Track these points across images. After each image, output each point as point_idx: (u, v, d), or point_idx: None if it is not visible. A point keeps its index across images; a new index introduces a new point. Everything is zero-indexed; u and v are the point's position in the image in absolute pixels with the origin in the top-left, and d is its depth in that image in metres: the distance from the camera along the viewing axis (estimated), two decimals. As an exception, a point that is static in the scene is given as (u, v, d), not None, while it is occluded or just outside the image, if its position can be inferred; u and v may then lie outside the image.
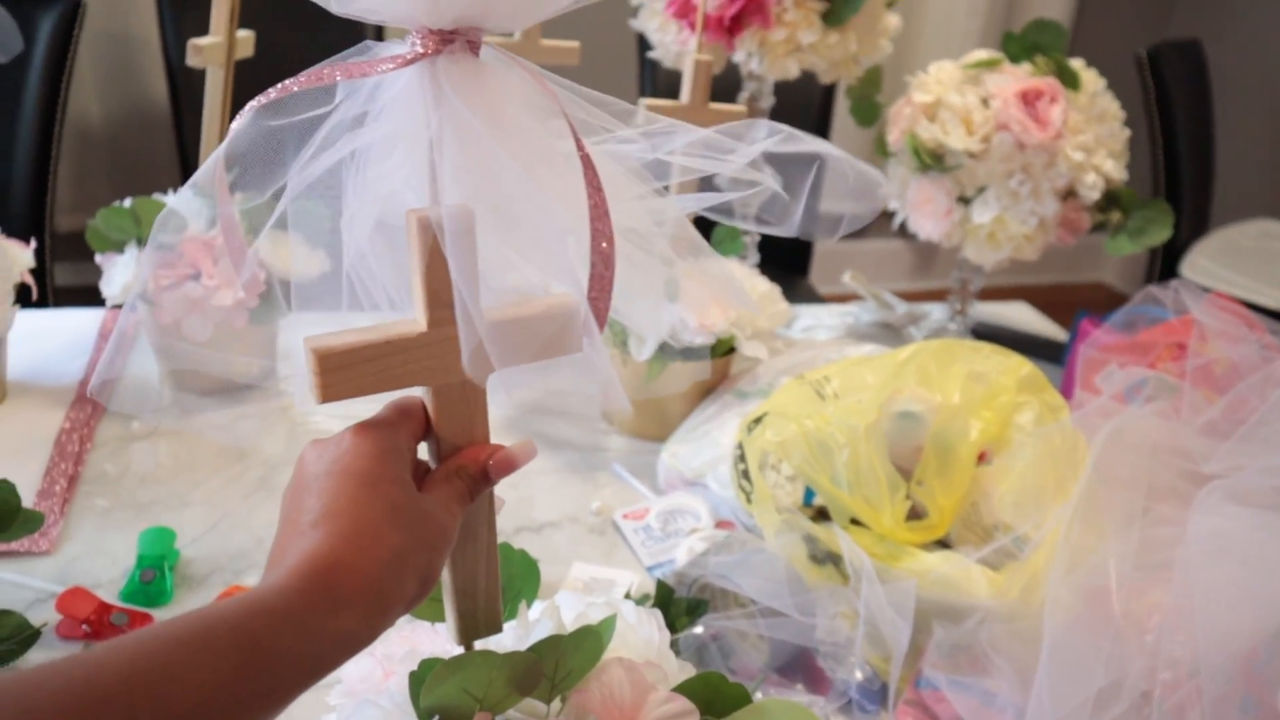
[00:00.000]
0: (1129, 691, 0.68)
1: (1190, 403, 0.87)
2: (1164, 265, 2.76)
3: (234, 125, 0.44)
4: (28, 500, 0.90)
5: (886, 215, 1.30)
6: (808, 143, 0.45)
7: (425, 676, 0.46)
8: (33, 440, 1.01)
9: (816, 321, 1.44)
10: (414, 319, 0.45)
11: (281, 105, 0.43)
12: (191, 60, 1.02)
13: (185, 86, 2.19)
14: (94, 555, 0.87)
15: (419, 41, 0.41)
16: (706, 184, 0.53)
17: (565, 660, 0.48)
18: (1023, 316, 1.54)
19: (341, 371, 0.43)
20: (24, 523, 0.75)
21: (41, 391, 1.11)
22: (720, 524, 0.94)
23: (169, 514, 0.93)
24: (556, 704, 0.49)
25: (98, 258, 1.10)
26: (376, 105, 0.43)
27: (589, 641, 0.49)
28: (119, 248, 1.08)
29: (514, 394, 0.50)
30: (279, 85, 0.42)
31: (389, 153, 0.43)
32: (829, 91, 2.27)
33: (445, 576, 0.51)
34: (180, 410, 1.10)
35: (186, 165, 2.27)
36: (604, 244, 0.40)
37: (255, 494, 0.97)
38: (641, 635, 0.54)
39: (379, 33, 2.13)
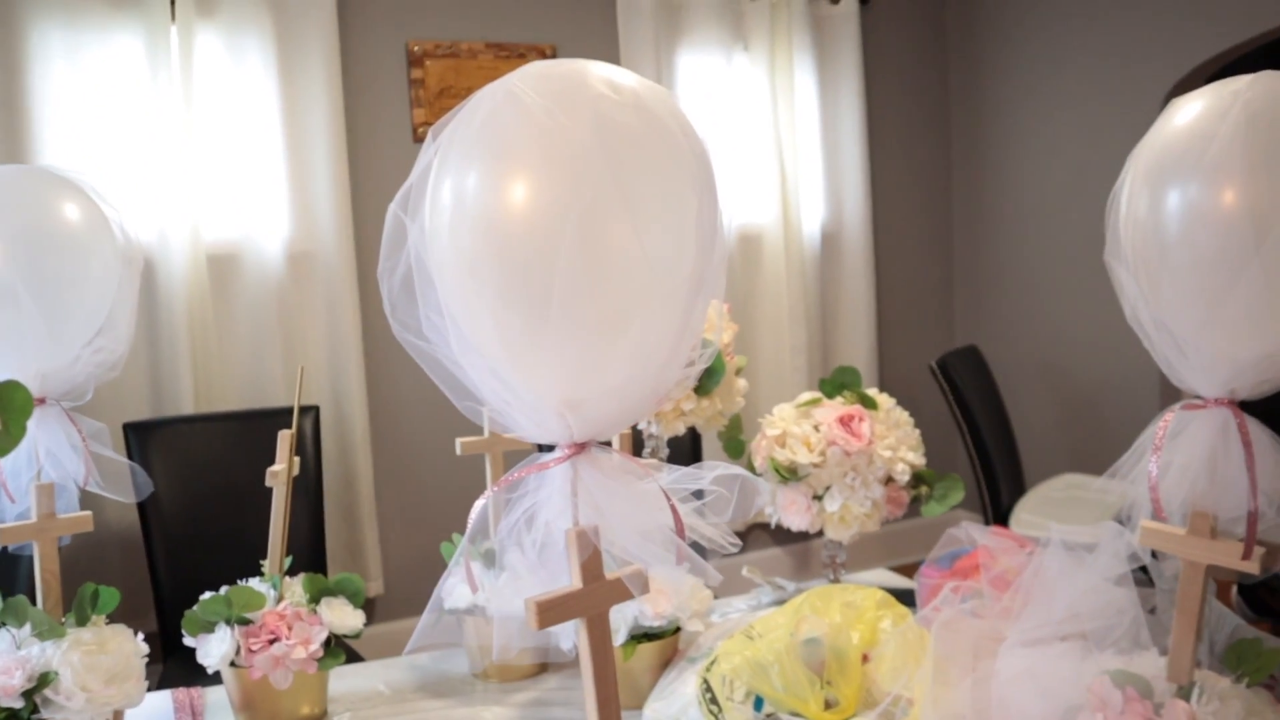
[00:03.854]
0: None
1: (990, 598, 1.30)
2: (996, 524, 3.30)
3: (479, 504, 0.85)
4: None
5: (764, 527, 1.75)
6: (735, 470, 0.91)
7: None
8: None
9: (730, 608, 1.84)
10: (572, 584, 0.85)
11: (510, 487, 0.85)
12: (269, 482, 1.42)
13: (154, 514, 2.54)
14: None
15: (566, 450, 0.85)
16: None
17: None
18: (884, 578, 1.98)
19: (546, 612, 0.82)
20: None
21: (148, 757, 1.39)
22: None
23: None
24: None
25: (188, 640, 1.43)
26: (543, 480, 0.86)
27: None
28: (210, 629, 1.42)
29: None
30: (510, 474, 0.85)
31: (549, 503, 0.85)
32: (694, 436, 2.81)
33: None
34: (265, 751, 1.39)
35: (157, 578, 2.54)
36: (681, 535, 0.84)
37: (349, 795, 1.27)
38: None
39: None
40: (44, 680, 1.26)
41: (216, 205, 3.06)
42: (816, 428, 1.64)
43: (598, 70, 0.83)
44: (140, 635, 1.39)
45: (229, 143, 3.05)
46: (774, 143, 3.79)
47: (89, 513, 1.36)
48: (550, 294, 0.75)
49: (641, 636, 1.44)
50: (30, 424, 1.33)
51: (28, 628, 1.29)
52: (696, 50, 3.73)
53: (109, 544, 2.98)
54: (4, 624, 1.31)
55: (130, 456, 2.55)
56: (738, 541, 0.90)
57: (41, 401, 1.34)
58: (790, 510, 1.69)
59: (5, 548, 1.34)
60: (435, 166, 0.83)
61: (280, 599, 1.44)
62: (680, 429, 1.65)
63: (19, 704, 1.25)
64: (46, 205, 1.34)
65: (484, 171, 0.79)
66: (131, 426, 2.59)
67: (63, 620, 1.33)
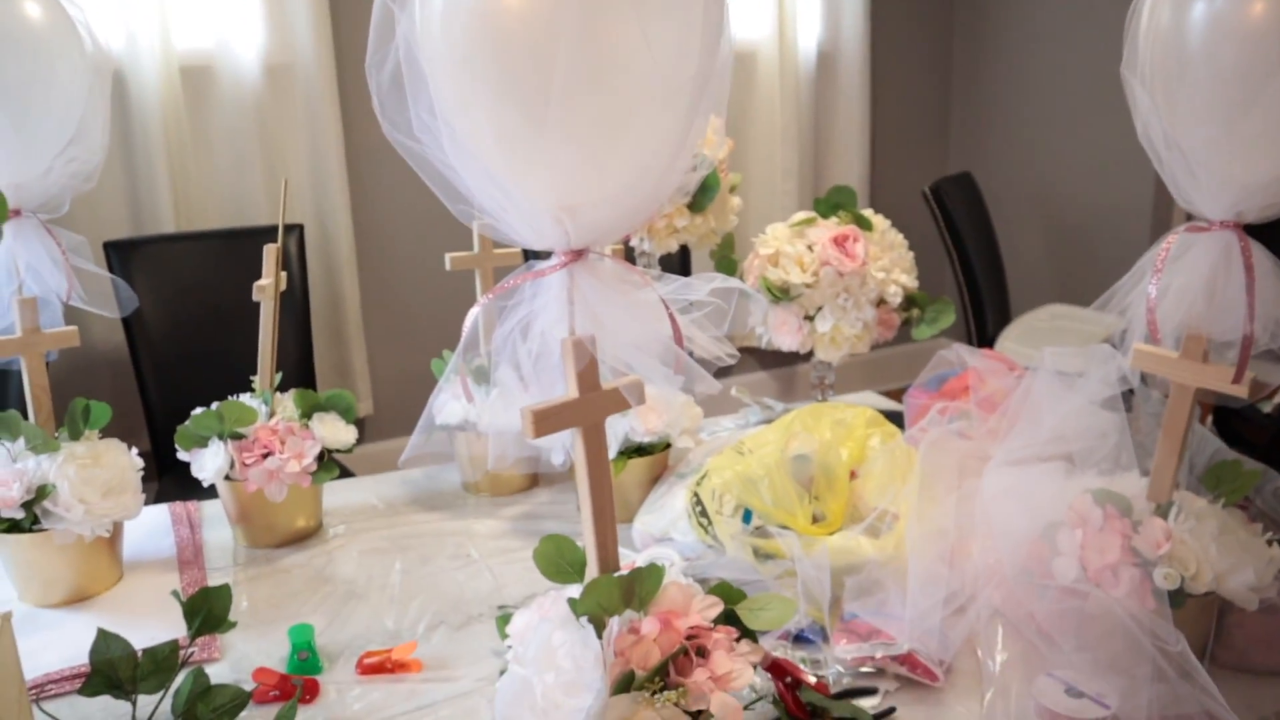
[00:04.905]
0: (963, 592, 1.10)
1: (977, 419, 1.32)
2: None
3: (477, 310, 0.84)
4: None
5: (751, 351, 1.75)
6: (733, 283, 0.89)
7: (579, 601, 0.84)
8: (164, 598, 1.32)
9: (718, 427, 1.86)
10: (569, 394, 0.84)
11: (504, 295, 0.83)
12: (255, 296, 1.40)
13: (141, 335, 2.53)
14: (243, 659, 1.19)
15: (563, 257, 0.82)
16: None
17: (643, 583, 0.86)
18: (872, 400, 2.00)
19: (542, 421, 0.81)
20: (227, 624, 1.09)
21: (148, 565, 1.42)
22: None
23: (290, 625, 1.26)
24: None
25: (181, 455, 1.44)
26: (539, 288, 0.84)
27: (655, 572, 0.87)
28: (203, 443, 1.42)
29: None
30: (505, 281, 0.83)
31: (545, 311, 0.84)
32: (685, 254, 2.79)
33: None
34: (263, 561, 1.43)
35: (147, 398, 2.55)
36: (680, 343, 0.82)
37: (349, 602, 1.31)
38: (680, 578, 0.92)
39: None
40: (42, 492, 1.26)
41: (186, 15, 2.91)
42: (810, 247, 1.62)
43: None
44: (134, 450, 1.40)
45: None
46: (771, -47, 3.61)
47: (74, 327, 1.35)
48: (549, 92, 0.71)
49: (633, 451, 1.46)
50: (7, 236, 1.30)
51: (21, 442, 1.29)
52: None
53: (98, 366, 2.97)
54: (-3, 437, 1.31)
55: (111, 269, 2.51)
56: (736, 353, 0.90)
57: (17, 213, 1.29)
58: (781, 330, 1.68)
59: (-7, 364, 1.33)
60: (423, -46, 0.77)
61: (272, 414, 1.44)
62: (673, 246, 1.62)
63: (19, 514, 1.26)
64: (5, 3, 1.26)
65: (477, -40, 0.74)
66: (112, 245, 2.54)
67: (55, 435, 1.33)
